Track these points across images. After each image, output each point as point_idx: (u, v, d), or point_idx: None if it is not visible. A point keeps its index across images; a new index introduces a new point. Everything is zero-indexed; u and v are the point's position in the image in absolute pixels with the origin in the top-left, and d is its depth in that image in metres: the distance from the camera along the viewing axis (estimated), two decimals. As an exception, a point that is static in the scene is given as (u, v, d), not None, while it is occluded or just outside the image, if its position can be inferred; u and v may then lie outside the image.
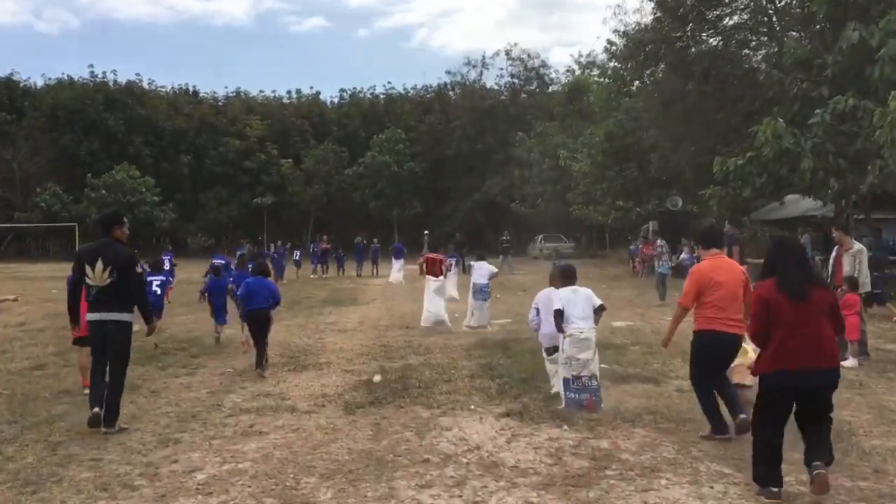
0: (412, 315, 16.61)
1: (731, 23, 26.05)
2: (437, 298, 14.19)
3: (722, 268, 6.61)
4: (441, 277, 15.26)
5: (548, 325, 8.33)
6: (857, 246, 11.78)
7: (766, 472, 5.06)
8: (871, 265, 21.38)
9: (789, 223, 31.68)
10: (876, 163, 16.62)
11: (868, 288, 11.65)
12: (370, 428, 6.92)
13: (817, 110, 17.82)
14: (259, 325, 9.97)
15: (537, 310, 8.65)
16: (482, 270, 14.72)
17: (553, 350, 8.30)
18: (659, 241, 18.18)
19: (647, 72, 28.17)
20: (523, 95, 62.84)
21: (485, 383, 8.95)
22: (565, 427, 6.96)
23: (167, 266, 16.82)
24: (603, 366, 8.63)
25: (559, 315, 8.00)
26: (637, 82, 31.45)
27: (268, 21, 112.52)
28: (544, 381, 8.60)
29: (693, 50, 26.02)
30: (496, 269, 15.57)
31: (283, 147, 59.27)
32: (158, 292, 12.25)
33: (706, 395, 6.49)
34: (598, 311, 8.23)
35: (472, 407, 7.78)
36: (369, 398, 8.16)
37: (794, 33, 19.90)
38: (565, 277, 8.48)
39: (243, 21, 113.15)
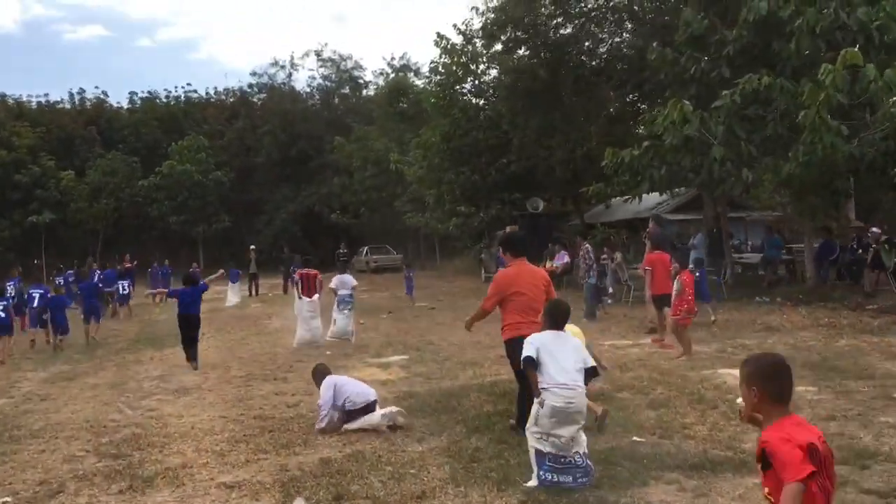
0: (267, 355, 12.55)
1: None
2: (312, 318, 13.87)
3: (525, 273, 6.91)
4: (316, 296, 14.31)
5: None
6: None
7: None
8: (763, 264, 20.21)
9: (619, 226, 30.46)
10: (798, 149, 14.63)
11: None
12: None
13: (725, 91, 15.67)
14: (192, 328, 11.89)
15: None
16: (345, 282, 14.52)
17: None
18: (585, 244, 15.20)
19: (510, 57, 25.36)
20: (336, 99, 58.92)
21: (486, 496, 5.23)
22: None
23: (10, 291, 16.08)
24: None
25: (529, 365, 5.51)
26: (493, 72, 28.74)
27: (37, 28, 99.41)
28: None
29: (559, 31, 23.57)
30: (356, 282, 15.10)
31: (64, 158, 51.16)
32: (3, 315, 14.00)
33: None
34: (591, 375, 5.92)
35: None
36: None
37: (686, 7, 17.73)
38: (553, 317, 5.85)
39: (10, 28, 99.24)
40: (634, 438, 6.43)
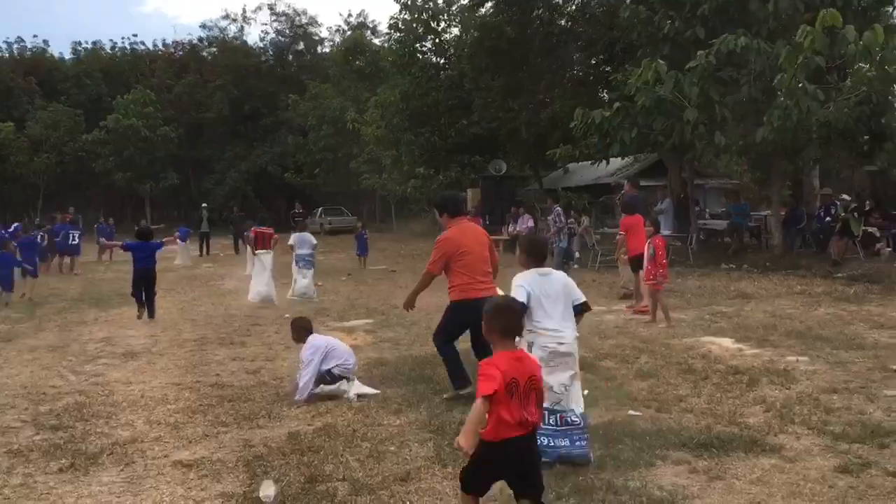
0: (221, 317, 11.90)
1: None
2: (265, 274, 13.54)
3: (469, 232, 6.70)
4: (270, 251, 14.07)
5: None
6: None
7: None
8: (729, 231, 19.98)
9: (578, 191, 30.06)
10: (774, 113, 14.27)
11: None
12: None
13: (700, 52, 15.21)
14: (149, 283, 11.69)
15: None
16: (305, 240, 14.03)
17: None
18: (556, 207, 14.58)
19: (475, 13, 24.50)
20: (290, 56, 57.24)
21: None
22: None
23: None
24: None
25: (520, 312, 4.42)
26: (455, 30, 27.88)
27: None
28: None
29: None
30: (315, 241, 14.60)
31: (2, 109, 48.81)
32: None
33: (453, 353, 6.58)
34: (581, 310, 5.20)
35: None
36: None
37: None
38: (532, 253, 5.28)
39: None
40: (630, 412, 5.95)
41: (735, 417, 5.72)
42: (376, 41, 47.68)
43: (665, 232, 17.28)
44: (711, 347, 8.38)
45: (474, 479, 3.57)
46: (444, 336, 6.65)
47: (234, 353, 8.97)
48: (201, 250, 26.76)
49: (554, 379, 4.83)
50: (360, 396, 6.56)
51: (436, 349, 6.73)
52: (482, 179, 25.93)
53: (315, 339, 6.83)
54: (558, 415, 4.87)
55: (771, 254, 17.03)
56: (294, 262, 13.90)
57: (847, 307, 10.94)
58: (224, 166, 50.41)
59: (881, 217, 16.14)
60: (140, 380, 7.72)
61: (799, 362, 7.48)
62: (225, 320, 11.64)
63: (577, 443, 4.82)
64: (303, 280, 13.76)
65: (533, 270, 5.09)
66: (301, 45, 57.45)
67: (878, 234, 15.82)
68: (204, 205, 30.09)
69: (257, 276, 13.65)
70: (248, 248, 16.01)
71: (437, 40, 32.81)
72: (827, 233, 16.76)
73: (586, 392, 5.93)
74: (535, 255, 5.23)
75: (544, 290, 5.00)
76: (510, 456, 3.48)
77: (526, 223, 21.51)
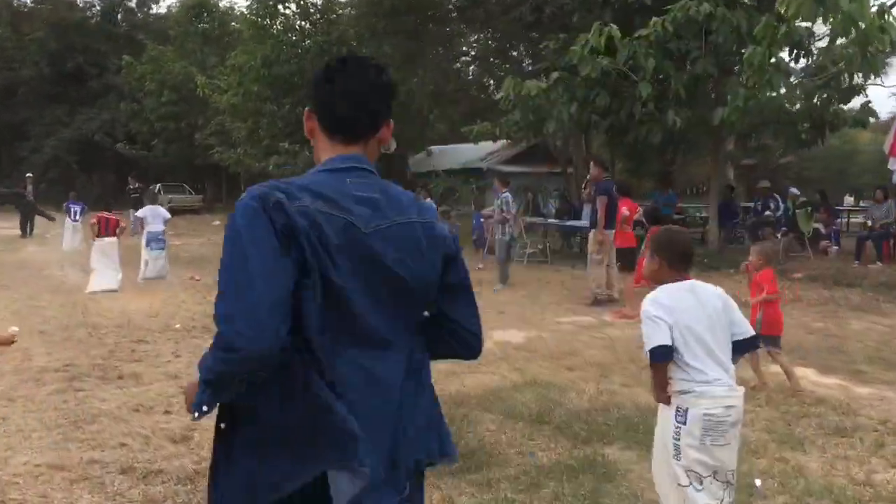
0: (84, 328, 8.71)
1: None
2: (109, 265, 11.98)
3: None
4: (115, 239, 12.28)
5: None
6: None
7: None
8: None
9: (445, 176, 27.89)
10: (739, 92, 12.68)
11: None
12: None
13: (654, 18, 13.39)
14: None
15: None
16: (158, 213, 12.75)
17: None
18: (505, 192, 12.17)
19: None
20: (120, 14, 51.13)
21: None
22: None
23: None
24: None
25: (661, 355, 3.11)
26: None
27: None
28: None
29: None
30: (168, 215, 13.10)
31: None
32: None
33: None
34: (747, 346, 3.32)
35: None
36: None
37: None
38: (676, 253, 3.34)
39: None
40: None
41: None
42: (223, 2, 43.40)
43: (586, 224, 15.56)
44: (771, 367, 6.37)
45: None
46: None
47: (128, 397, 5.93)
48: (24, 229, 22.18)
49: (723, 451, 3.05)
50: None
51: None
52: (369, 157, 23.07)
53: None
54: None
55: (706, 250, 15.59)
56: (144, 244, 12.42)
57: (865, 316, 9.40)
58: (41, 132, 44.03)
59: (825, 213, 15.09)
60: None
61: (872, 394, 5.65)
62: (91, 334, 8.39)
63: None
64: (156, 261, 12.39)
65: (676, 285, 3.20)
66: (132, 2, 51.50)
67: (823, 231, 14.73)
68: (29, 175, 25.25)
69: (97, 265, 11.92)
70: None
71: (301, 2, 29.55)
72: (763, 227, 15.50)
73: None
74: (680, 257, 3.29)
75: (696, 316, 3.12)
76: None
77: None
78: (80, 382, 6.33)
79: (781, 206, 15.34)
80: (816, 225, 14.73)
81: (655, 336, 3.07)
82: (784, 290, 10.68)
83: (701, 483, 3.02)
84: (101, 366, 6.87)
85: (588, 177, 11.24)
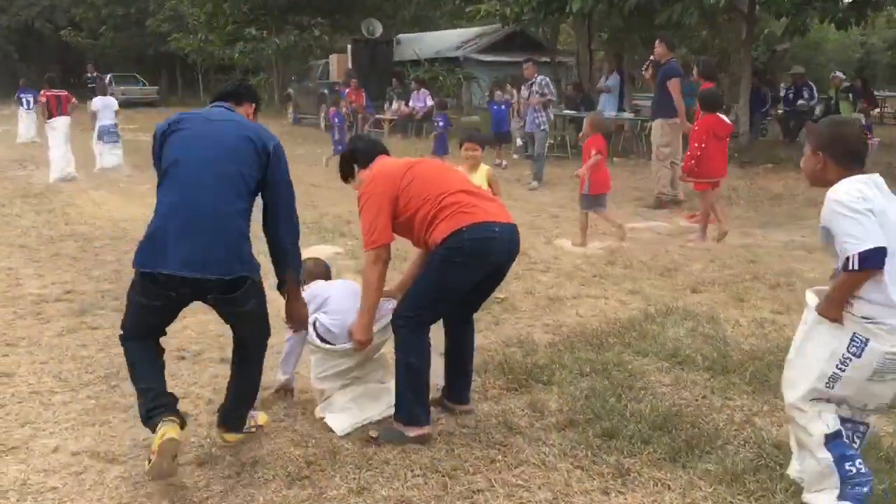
0: (71, 240, 7.21)
1: None
2: (63, 145, 11.49)
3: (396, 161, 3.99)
4: (68, 117, 11.83)
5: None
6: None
7: None
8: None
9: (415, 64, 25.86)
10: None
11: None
12: None
13: None
14: None
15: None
16: (109, 105, 12.42)
17: None
18: (541, 77, 10.56)
19: None
20: None
21: None
22: None
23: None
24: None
25: (878, 259, 2.43)
26: None
27: None
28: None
29: None
30: (118, 108, 12.89)
31: None
32: None
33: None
34: None
35: None
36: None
37: None
38: (849, 151, 2.67)
39: None
40: None
41: None
42: None
43: (610, 113, 14.16)
44: None
45: None
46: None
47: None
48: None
49: (886, 390, 2.59)
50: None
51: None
52: (353, 43, 21.05)
53: (315, 287, 3.72)
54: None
55: (736, 143, 14.37)
56: (96, 137, 12.19)
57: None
58: (-26, 19, 40.29)
59: (866, 103, 13.88)
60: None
61: None
62: (83, 248, 6.90)
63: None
64: (111, 155, 12.17)
65: (862, 178, 2.59)
66: None
67: (864, 122, 13.56)
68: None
69: (56, 148, 11.46)
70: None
71: None
72: (798, 117, 14.30)
73: None
74: (852, 155, 2.67)
75: (892, 221, 2.54)
76: None
77: (421, 101, 17.46)
78: (92, 317, 4.93)
79: (816, 94, 14.11)
80: (857, 115, 13.55)
81: (869, 235, 2.42)
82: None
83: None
84: (111, 293, 5.46)
85: (652, 57, 9.83)
